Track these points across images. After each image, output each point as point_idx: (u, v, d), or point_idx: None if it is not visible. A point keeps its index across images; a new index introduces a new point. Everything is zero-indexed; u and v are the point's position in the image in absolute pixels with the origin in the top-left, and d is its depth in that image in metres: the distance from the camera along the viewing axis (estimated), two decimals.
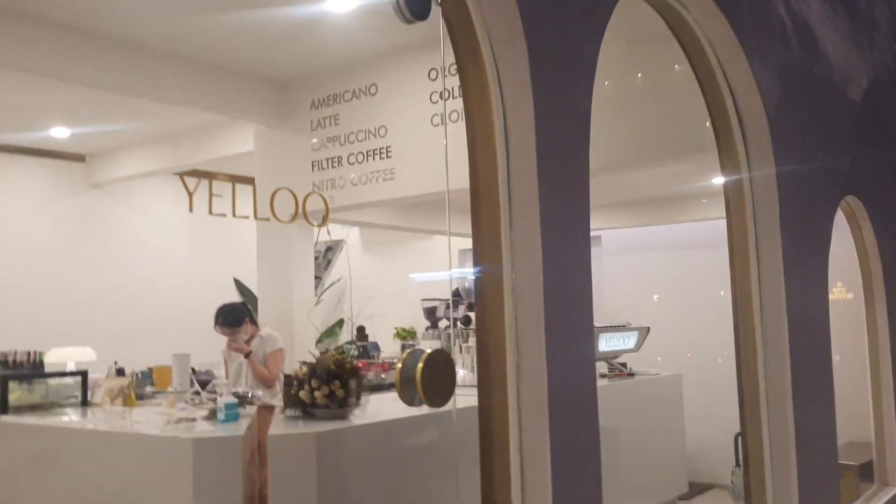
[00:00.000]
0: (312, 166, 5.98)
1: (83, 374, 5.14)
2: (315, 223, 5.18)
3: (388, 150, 5.60)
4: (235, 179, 9.61)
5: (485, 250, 2.27)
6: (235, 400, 3.85)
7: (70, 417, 4.59)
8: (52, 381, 5.40)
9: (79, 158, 8.16)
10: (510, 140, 2.25)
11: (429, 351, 2.22)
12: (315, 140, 5.96)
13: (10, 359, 5.70)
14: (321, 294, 6.42)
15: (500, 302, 2.22)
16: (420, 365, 2.18)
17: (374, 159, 5.67)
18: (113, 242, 8.42)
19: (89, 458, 3.86)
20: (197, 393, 4.08)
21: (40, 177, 7.91)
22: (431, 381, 2.18)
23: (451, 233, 2.42)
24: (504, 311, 2.21)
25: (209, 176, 9.24)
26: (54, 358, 6.27)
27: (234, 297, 8.32)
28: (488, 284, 2.26)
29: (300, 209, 4.44)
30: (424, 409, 2.37)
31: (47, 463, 4.08)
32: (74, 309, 7.95)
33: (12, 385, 5.05)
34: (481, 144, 2.29)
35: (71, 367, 6.41)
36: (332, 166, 5.88)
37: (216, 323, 5.28)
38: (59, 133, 7.26)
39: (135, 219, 8.63)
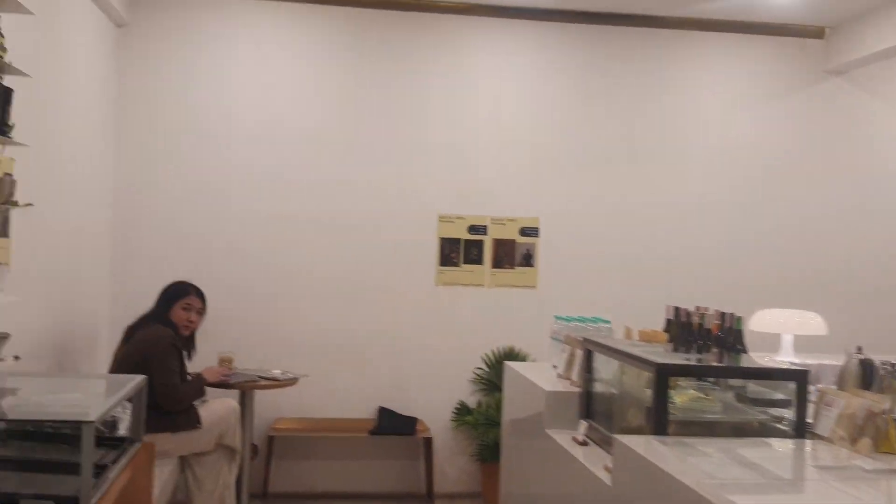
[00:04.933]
0: None
1: (798, 377, 2.78)
2: None
3: None
4: None
5: None
6: None
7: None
8: (751, 385, 3.19)
9: (814, 34, 5.69)
10: None
11: None
12: None
13: (694, 320, 3.69)
14: None
15: None
16: None
17: None
18: (854, 153, 5.79)
19: None
20: None
21: (756, 61, 5.74)
22: None
23: None
24: None
25: None
26: (761, 325, 4.09)
27: None
28: None
29: None
30: None
31: None
32: (792, 251, 5.67)
33: (683, 382, 3.04)
34: None
35: (786, 343, 4.14)
36: None
37: None
38: None
39: (890, 118, 5.81)
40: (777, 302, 4.59)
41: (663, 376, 2.73)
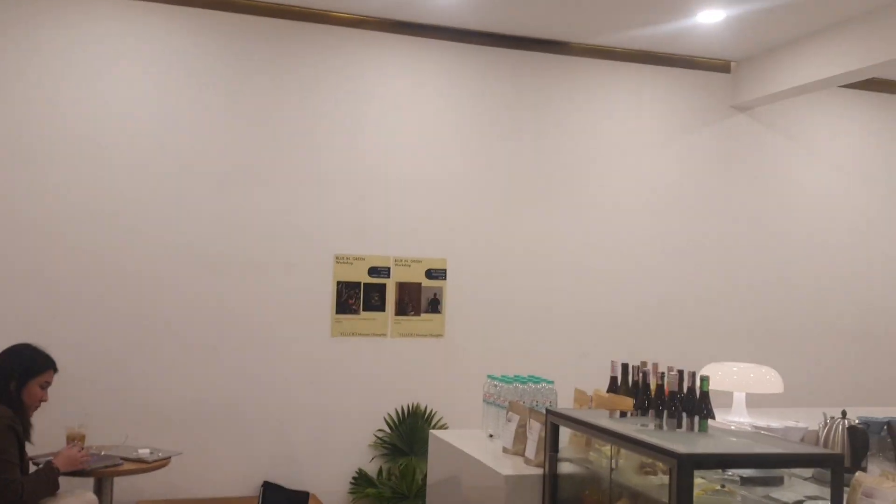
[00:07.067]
0: None
1: (834, 462, 2.35)
2: None
3: None
4: None
5: None
6: None
7: None
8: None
9: (721, 67, 5.51)
10: None
11: None
12: None
13: (652, 381, 3.24)
14: None
15: None
16: None
17: None
18: (765, 191, 5.65)
19: None
20: None
21: (674, 93, 5.47)
22: None
23: None
24: None
25: None
26: (716, 383, 3.70)
27: None
28: None
29: None
30: None
31: None
32: (714, 291, 5.45)
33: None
34: None
35: (738, 401, 3.76)
36: None
37: None
38: (710, 17, 4.66)
39: (794, 157, 5.73)
40: (699, 353, 4.33)
41: (688, 469, 2.20)
